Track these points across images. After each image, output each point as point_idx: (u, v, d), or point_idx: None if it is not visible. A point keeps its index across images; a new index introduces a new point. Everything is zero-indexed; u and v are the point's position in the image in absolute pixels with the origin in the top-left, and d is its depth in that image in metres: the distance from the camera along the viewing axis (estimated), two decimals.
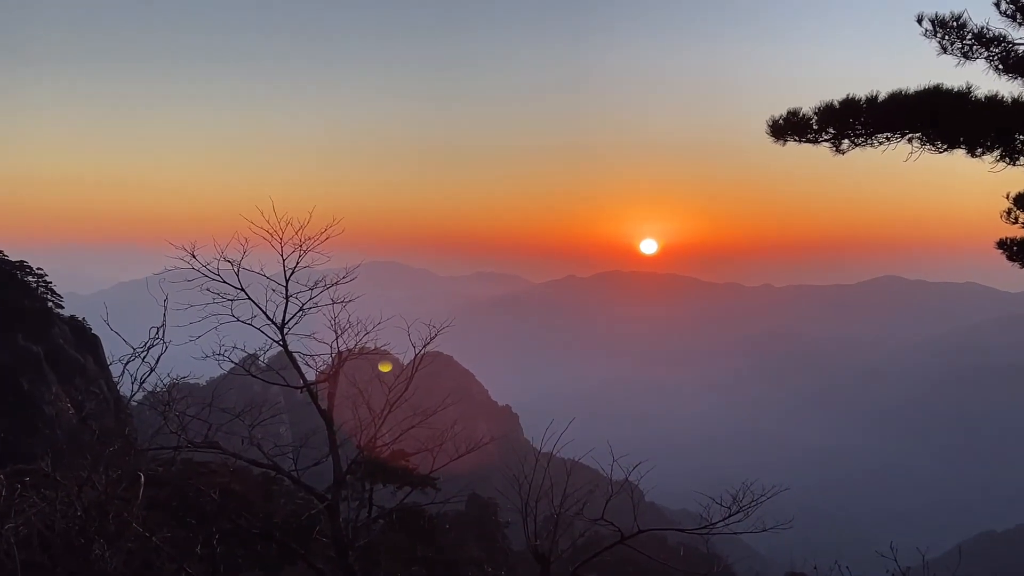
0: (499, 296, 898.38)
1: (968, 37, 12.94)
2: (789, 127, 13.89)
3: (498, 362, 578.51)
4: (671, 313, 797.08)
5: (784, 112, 13.93)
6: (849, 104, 13.22)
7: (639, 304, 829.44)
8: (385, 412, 23.28)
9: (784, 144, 14.19)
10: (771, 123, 14.02)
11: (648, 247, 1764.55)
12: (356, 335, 23.10)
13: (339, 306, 22.73)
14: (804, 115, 13.68)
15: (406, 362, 24.97)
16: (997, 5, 12.79)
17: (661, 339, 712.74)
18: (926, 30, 12.96)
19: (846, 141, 13.74)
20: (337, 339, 22.86)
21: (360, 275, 23.82)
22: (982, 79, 13.01)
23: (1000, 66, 13.10)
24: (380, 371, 25.14)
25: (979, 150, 13.24)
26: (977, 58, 13.10)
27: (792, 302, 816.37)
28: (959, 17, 12.80)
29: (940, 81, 12.93)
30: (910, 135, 13.37)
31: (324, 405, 22.57)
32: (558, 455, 22.13)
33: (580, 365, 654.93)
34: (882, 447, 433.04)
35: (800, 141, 14.06)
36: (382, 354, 25.25)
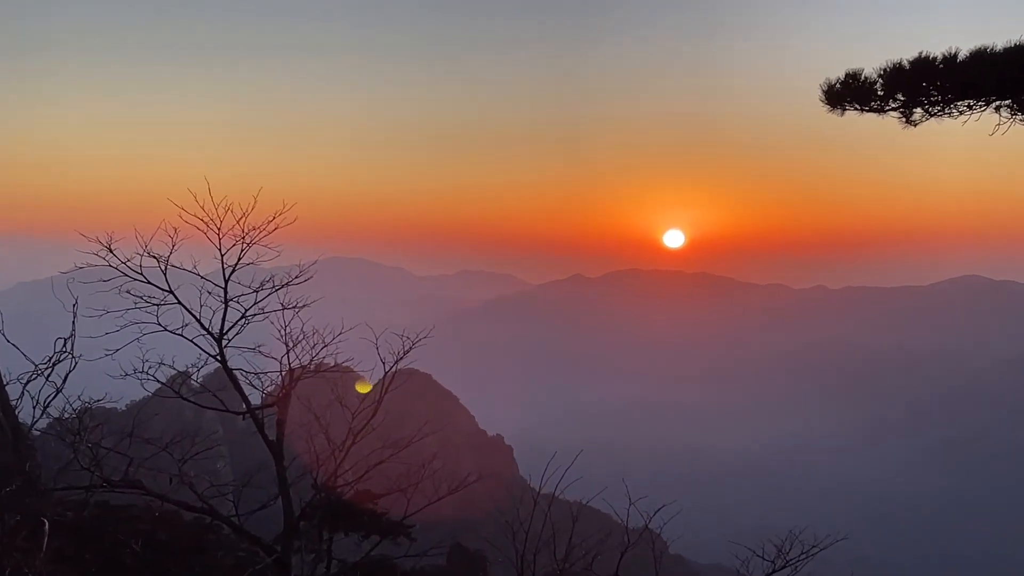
0: (489, 300, 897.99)
1: None
2: (848, 93, 13.81)
3: (488, 382, 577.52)
4: (701, 321, 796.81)
5: (842, 75, 13.85)
6: (922, 64, 13.13)
7: (662, 310, 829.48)
8: (348, 443, 23.27)
9: (842, 114, 14.13)
10: (826, 88, 13.93)
11: (673, 240, 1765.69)
12: (312, 348, 23.09)
13: (291, 312, 22.74)
14: (867, 78, 13.57)
15: (374, 382, 24.94)
16: None
17: (688, 353, 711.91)
18: None
19: (918, 110, 13.64)
20: (288, 353, 22.87)
21: (318, 274, 23.81)
22: None
23: None
24: (357, 392, 25.13)
25: None
26: None
27: (850, 308, 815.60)
28: None
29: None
30: (997, 102, 13.33)
31: (272, 435, 22.54)
32: (562, 496, 22.10)
33: (589, 385, 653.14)
34: (963, 486, 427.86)
35: (862, 110, 13.99)
36: (344, 371, 25.21)
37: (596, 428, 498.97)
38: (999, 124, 13.46)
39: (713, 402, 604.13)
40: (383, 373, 24.03)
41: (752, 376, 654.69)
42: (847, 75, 13.68)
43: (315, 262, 23.91)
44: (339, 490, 24.44)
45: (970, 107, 13.43)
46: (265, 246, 21.91)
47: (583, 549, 21.55)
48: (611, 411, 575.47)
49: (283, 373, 22.84)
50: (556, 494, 21.74)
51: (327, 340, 23.14)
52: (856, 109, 13.90)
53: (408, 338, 24.07)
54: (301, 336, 22.79)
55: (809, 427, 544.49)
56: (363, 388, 25.58)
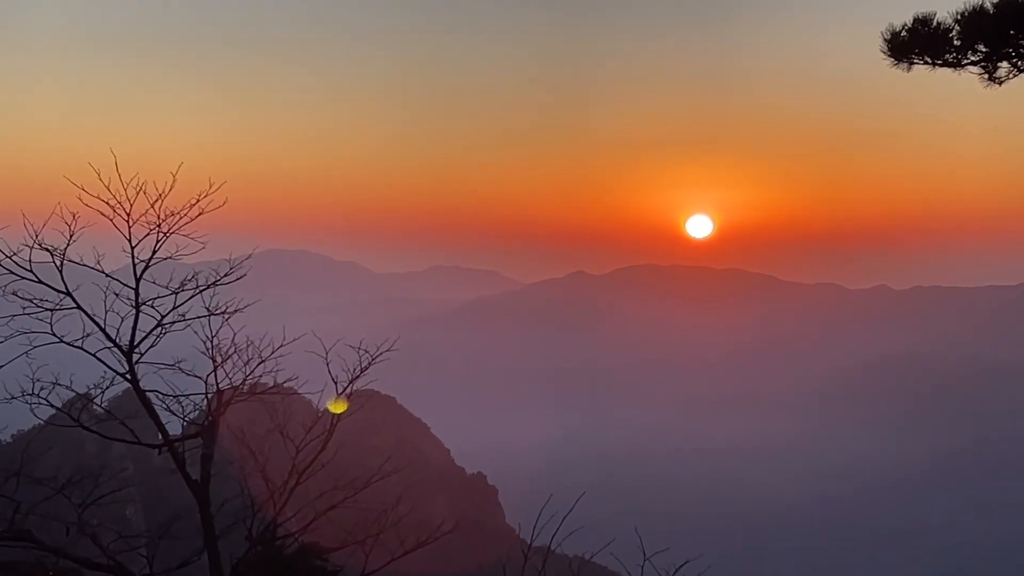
0: (468, 303, 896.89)
1: None
2: (917, 43, 13.79)
3: (466, 406, 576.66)
4: (734, 329, 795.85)
5: (909, 21, 13.79)
6: (1010, 7, 13.10)
7: (684, 315, 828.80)
8: (291, 484, 23.20)
9: (909, 69, 14.12)
10: (889, 38, 13.89)
11: (698, 228, 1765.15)
12: (246, 364, 23.00)
13: (219, 319, 22.66)
14: (939, 25, 13.55)
15: (324, 406, 24.88)
16: None
17: (717, 369, 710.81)
18: None
19: (1004, 63, 13.65)
20: (216, 370, 22.77)
21: (253, 271, 23.74)
22: None
23: None
24: (305, 418, 25.02)
25: None
26: None
27: (920, 313, 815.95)
28: None
29: None
30: None
31: (196, 474, 22.47)
32: (559, 550, 22.11)
33: (593, 409, 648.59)
34: None
35: (933, 64, 13.99)
36: (286, 393, 25.13)
37: (602, 463, 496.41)
38: None
39: (749, 430, 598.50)
40: (334, 395, 23.97)
41: (798, 398, 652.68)
42: (915, 21, 13.59)
43: (249, 256, 23.82)
44: (280, 542, 24.40)
45: None
46: (187, 236, 21.85)
47: None
48: (621, 441, 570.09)
49: (209, 396, 22.77)
50: (552, 547, 21.76)
51: (264, 354, 23.07)
52: (926, 62, 13.89)
53: (366, 351, 24.01)
54: (232, 349, 22.73)
55: (871, 461, 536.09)
56: (337, 408, 25.42)
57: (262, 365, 23.09)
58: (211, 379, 22.55)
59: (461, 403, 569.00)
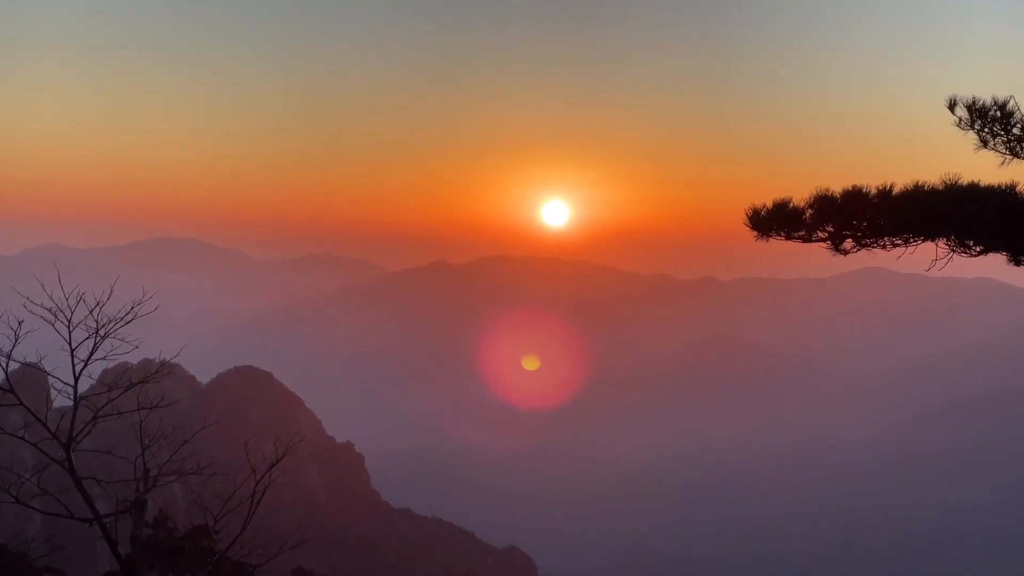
0: (339, 289, 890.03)
1: (1017, 129, 13.70)
2: (776, 220, 14.69)
3: (337, 381, 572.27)
4: (576, 316, 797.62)
5: (769, 203, 14.71)
6: (854, 198, 14.10)
7: (538, 302, 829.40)
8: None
9: (767, 240, 15.05)
10: (752, 214, 14.86)
11: (554, 215, 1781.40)
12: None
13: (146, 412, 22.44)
14: (795, 207, 14.49)
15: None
16: None
17: (562, 353, 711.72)
18: (960, 119, 13.73)
19: (849, 240, 14.61)
20: (144, 452, 22.51)
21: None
22: None
23: None
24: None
25: None
26: None
27: (743, 302, 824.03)
28: (1004, 105, 13.52)
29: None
30: (937, 236, 14.23)
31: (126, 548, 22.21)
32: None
33: (452, 386, 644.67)
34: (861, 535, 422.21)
35: (788, 237, 14.93)
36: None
37: (458, 434, 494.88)
38: (935, 260, 14.41)
39: (593, 407, 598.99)
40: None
41: (630, 378, 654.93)
42: (776, 204, 14.66)
43: (177, 354, 23.69)
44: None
45: (907, 240, 14.36)
46: (122, 340, 21.76)
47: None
48: (479, 415, 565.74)
49: (138, 477, 22.49)
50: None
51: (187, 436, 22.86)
52: (782, 236, 14.87)
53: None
54: (159, 432, 22.56)
55: (701, 437, 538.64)
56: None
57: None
58: (139, 462, 22.36)
59: (332, 379, 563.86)
